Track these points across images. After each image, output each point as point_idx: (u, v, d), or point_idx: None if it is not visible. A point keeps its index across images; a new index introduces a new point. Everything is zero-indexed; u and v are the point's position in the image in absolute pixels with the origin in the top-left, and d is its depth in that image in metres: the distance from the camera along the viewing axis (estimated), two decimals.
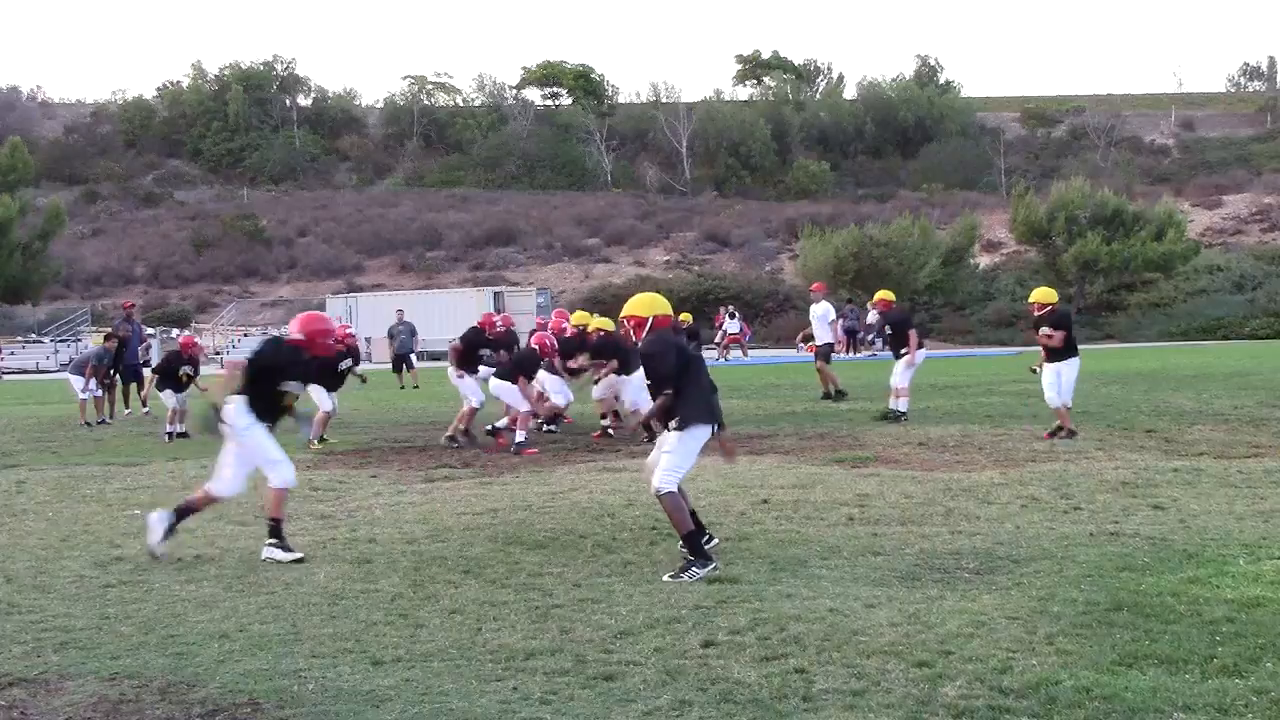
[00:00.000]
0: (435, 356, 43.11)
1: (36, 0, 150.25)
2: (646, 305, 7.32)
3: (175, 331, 54.02)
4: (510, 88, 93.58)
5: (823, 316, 19.12)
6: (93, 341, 30.40)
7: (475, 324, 15.24)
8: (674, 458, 6.93)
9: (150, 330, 31.87)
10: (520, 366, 13.73)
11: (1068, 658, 4.98)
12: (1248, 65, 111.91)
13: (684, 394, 7.00)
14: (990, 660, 4.97)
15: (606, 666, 5.05)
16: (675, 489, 6.91)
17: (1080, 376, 13.24)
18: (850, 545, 7.36)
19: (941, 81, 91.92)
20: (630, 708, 4.56)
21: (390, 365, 28.44)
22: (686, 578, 6.56)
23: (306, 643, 5.55)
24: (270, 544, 7.43)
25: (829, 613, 5.78)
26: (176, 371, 16.26)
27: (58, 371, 39.27)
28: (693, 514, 7.04)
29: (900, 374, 15.21)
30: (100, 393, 18.99)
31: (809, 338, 19.42)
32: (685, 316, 25.52)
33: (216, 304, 58.80)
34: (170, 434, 15.76)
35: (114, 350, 18.94)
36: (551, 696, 4.70)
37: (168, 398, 16.28)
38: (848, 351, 38.58)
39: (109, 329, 22.63)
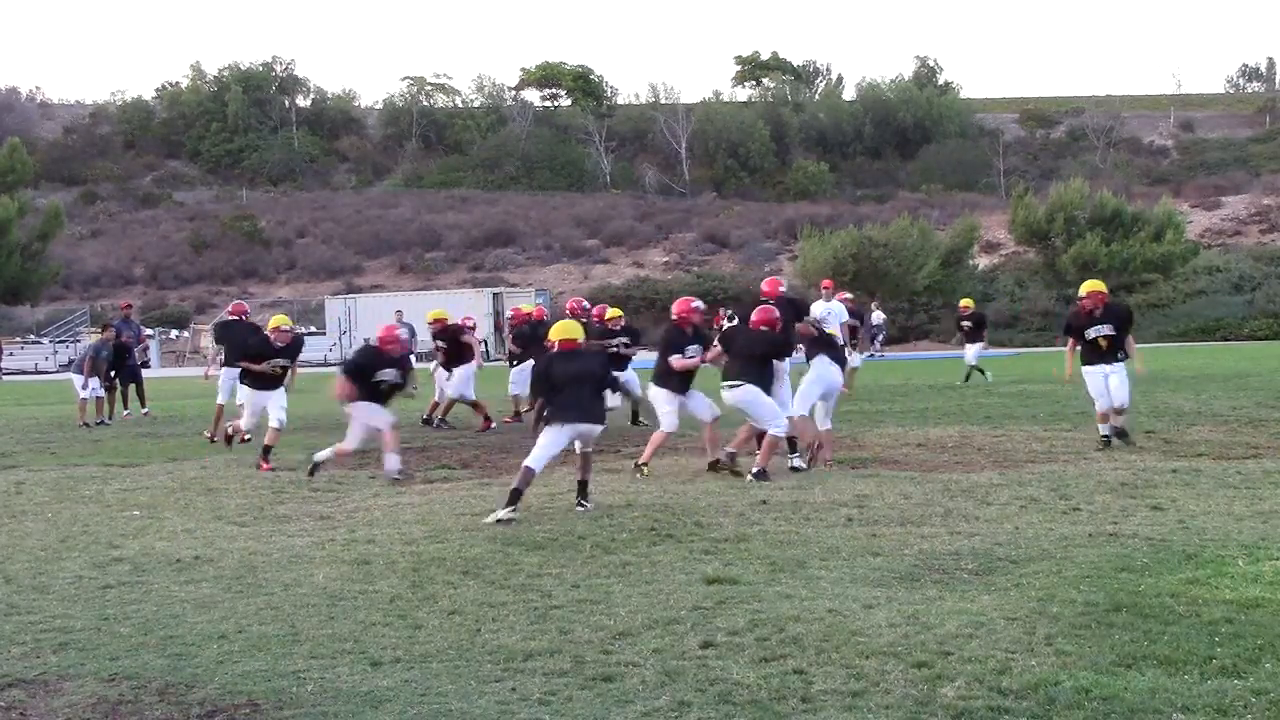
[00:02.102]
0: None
1: (36, 0, 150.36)
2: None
3: (174, 333, 54.09)
4: (509, 89, 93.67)
5: (839, 315, 17.21)
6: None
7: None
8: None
9: (149, 331, 31.93)
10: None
11: (1067, 658, 4.98)
12: (1246, 66, 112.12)
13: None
14: (989, 661, 4.97)
15: (605, 667, 5.05)
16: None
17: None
18: (849, 546, 7.36)
19: (940, 82, 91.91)
20: (629, 709, 4.56)
21: None
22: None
23: (305, 644, 5.55)
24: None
25: (828, 613, 5.78)
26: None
27: (57, 372, 39.25)
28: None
29: (1125, 386, 11.99)
30: (102, 393, 18.97)
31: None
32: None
33: (215, 305, 58.72)
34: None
35: (112, 340, 18.88)
36: (550, 697, 4.70)
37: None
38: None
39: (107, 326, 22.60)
